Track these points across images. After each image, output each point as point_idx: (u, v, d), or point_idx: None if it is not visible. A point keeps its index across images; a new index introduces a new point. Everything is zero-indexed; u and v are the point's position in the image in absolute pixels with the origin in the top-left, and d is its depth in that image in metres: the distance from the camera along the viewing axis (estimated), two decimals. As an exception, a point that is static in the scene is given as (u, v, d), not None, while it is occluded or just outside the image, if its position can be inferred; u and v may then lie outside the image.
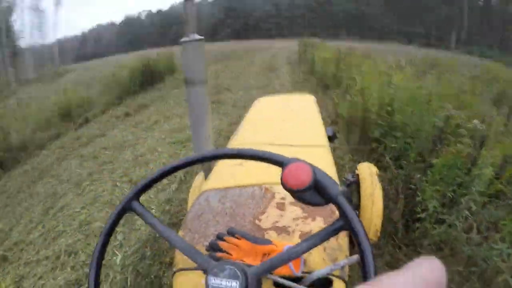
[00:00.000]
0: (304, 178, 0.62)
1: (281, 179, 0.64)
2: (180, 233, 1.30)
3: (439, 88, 4.49)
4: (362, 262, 0.64)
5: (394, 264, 2.94)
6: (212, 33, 63.40)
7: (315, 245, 0.69)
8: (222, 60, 19.63)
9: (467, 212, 2.81)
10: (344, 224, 0.68)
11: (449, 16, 50.82)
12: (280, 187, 1.41)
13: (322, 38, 35.29)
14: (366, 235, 0.65)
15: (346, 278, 1.11)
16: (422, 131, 3.67)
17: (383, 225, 3.22)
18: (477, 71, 13.02)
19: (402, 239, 3.15)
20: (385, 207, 3.32)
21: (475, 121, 3.07)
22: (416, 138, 3.70)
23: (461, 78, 7.52)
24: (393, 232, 3.22)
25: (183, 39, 2.13)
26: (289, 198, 1.39)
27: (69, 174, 5.58)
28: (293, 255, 0.69)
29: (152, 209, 4.06)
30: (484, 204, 3.02)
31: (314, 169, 0.65)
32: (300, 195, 0.65)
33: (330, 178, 0.68)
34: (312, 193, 0.66)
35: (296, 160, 0.68)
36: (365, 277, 0.63)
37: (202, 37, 2.15)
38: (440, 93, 4.28)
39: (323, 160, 1.87)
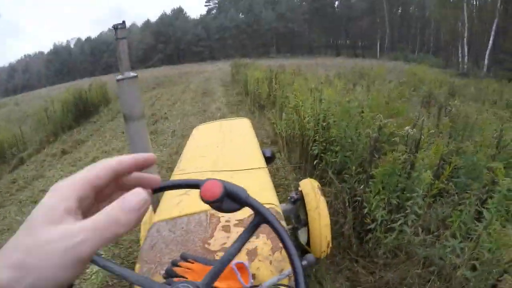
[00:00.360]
0: (216, 191, 0.71)
1: (200, 196, 0.72)
2: (137, 265, 1.37)
3: (370, 99, 4.62)
4: (284, 247, 0.74)
5: (354, 279, 2.96)
6: (144, 59, 62.28)
7: (243, 243, 0.79)
8: (156, 87, 19.38)
9: (413, 216, 2.88)
10: (260, 219, 0.78)
11: (372, 26, 53.62)
12: None
13: (253, 57, 35.99)
14: (280, 223, 0.75)
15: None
16: (359, 143, 3.75)
17: (337, 239, 3.26)
18: (403, 76, 13.76)
19: (357, 251, 3.18)
20: (335, 222, 3.36)
21: (407, 127, 3.17)
22: (354, 151, 3.77)
23: (389, 85, 7.85)
24: (348, 246, 3.24)
25: (118, 77, 2.14)
26: (233, 220, 1.53)
27: (9, 223, 5.13)
28: (230, 256, 0.78)
29: (101, 254, 3.80)
30: (430, 205, 3.12)
31: (223, 182, 0.74)
32: (218, 205, 0.72)
33: (238, 186, 0.76)
34: (227, 201, 0.74)
35: (209, 179, 0.75)
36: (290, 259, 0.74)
37: (136, 74, 2.16)
38: (370, 104, 4.42)
39: (260, 181, 1.98)
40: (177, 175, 2.20)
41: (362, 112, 4.07)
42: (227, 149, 2.61)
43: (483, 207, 2.68)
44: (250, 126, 3.30)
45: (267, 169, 2.26)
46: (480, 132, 4.37)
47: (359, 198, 3.33)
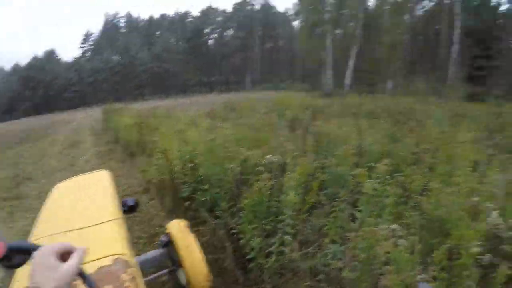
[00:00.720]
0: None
1: None
2: None
3: (235, 133, 4.72)
4: None
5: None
6: (10, 109, 56.36)
7: None
8: (21, 142, 17.55)
9: (287, 236, 2.98)
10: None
11: (245, 61, 56.20)
12: None
13: (127, 101, 35.28)
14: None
15: None
16: (226, 179, 3.79)
17: (221, 276, 3.29)
18: (272, 105, 14.45)
19: (243, 282, 3.22)
20: (217, 259, 3.40)
21: (268, 156, 3.27)
22: (222, 187, 3.81)
23: (257, 115, 8.12)
24: (234, 281, 3.27)
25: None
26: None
27: None
28: None
29: None
30: (306, 219, 3.30)
31: (7, 243, 0.81)
32: (6, 263, 0.81)
33: (20, 240, 0.87)
34: (16, 257, 0.84)
35: None
36: None
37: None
38: (237, 138, 4.51)
39: (112, 233, 1.98)
40: (30, 240, 2.03)
41: (226, 148, 4.13)
42: (83, 205, 2.52)
43: (356, 210, 2.91)
44: (109, 177, 3.21)
45: (122, 219, 2.25)
46: (342, 145, 4.67)
47: (235, 231, 3.36)
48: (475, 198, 2.75)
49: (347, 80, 33.65)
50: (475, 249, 2.18)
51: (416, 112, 12.15)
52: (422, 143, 5.19)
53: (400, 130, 6.82)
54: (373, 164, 3.30)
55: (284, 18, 60.43)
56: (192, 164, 4.30)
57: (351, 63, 33.81)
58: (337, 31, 38.57)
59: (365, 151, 4.59)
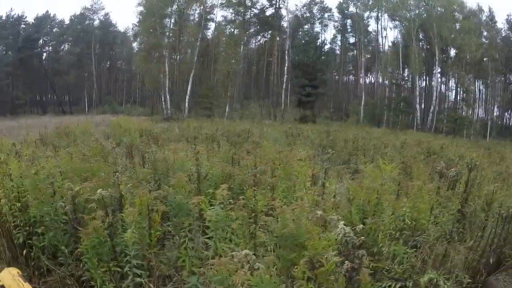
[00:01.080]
0: None
1: None
2: None
3: (63, 165, 4.35)
4: None
5: None
6: None
7: None
8: None
9: (137, 278, 2.92)
10: None
11: (80, 80, 52.46)
12: None
13: None
14: None
15: None
16: (58, 220, 3.47)
17: None
18: (110, 129, 13.96)
19: None
20: None
21: (99, 190, 3.12)
22: (57, 229, 3.45)
23: (92, 142, 7.71)
24: None
25: None
26: None
27: None
28: None
29: None
30: (157, 253, 3.29)
31: None
32: None
33: None
34: None
35: None
36: None
37: None
38: (65, 170, 4.15)
39: None
40: None
41: (52, 183, 3.77)
42: None
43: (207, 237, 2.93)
44: None
45: None
46: (181, 171, 4.68)
47: (86, 277, 3.09)
48: (319, 212, 2.97)
49: (187, 104, 34.96)
50: (335, 258, 2.34)
51: (253, 134, 12.98)
52: (260, 164, 5.44)
53: (238, 152, 7.14)
54: (213, 191, 3.38)
55: (123, 38, 58.34)
56: (20, 204, 3.72)
57: (189, 88, 35.38)
58: (176, 57, 39.50)
59: (204, 177, 4.66)
